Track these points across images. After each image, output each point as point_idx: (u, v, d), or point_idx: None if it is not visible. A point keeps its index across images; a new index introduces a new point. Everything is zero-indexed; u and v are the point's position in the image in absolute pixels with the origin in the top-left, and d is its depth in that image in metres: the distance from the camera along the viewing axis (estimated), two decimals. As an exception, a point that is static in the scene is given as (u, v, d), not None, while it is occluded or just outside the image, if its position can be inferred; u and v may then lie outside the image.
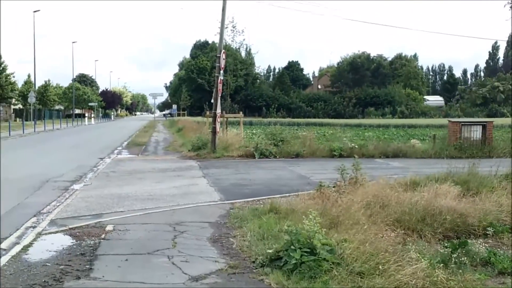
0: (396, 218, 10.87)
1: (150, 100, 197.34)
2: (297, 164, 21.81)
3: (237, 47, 33.39)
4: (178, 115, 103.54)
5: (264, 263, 7.93)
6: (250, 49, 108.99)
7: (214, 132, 25.08)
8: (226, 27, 26.41)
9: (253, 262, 8.17)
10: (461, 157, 24.22)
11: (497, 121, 45.01)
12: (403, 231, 10.59)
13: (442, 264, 8.01)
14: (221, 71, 25.29)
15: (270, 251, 8.23)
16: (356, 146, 24.97)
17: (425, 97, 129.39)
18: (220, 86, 25.31)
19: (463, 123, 25.75)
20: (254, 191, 14.99)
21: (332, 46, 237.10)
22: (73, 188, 15.85)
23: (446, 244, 9.38)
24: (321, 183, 12.88)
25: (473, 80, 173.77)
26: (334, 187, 13.17)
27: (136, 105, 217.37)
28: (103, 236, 9.66)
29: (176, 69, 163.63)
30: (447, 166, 21.28)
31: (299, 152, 24.38)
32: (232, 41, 29.99)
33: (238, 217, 11.30)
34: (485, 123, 25.88)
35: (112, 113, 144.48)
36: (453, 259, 8.39)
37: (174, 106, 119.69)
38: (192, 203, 13.18)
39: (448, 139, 25.96)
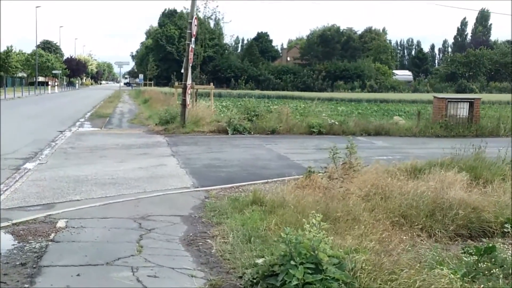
0: (401, 212, 9.29)
1: (116, 69, 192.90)
2: (274, 142, 20.09)
3: (210, 15, 31.51)
4: (145, 85, 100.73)
5: (254, 280, 6.22)
6: (218, 19, 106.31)
7: (184, 105, 23.16)
8: (198, -8, 24.28)
9: (240, 277, 6.46)
10: (446, 136, 22.98)
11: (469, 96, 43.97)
12: (409, 228, 9.06)
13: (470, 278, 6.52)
14: (193, 39, 23.30)
15: (260, 261, 6.54)
16: (336, 123, 23.38)
17: (394, 71, 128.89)
18: (191, 55, 23.35)
19: (449, 100, 24.28)
20: (231, 175, 13.24)
21: (301, 18, 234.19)
22: (25, 168, 13.88)
23: (469, 250, 7.80)
24: (310, 168, 11.19)
25: (440, 55, 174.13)
26: (324, 172, 11.51)
27: (102, 74, 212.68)
28: (52, 236, 7.81)
29: (143, 38, 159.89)
30: (436, 146, 20.06)
31: (275, 128, 22.67)
32: (205, 7, 28.10)
33: (216, 209, 9.57)
34: (472, 100, 24.45)
35: (77, 82, 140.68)
36: (480, 269, 6.87)
37: (141, 76, 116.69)
38: (161, 189, 11.36)
39: (433, 116, 24.53)
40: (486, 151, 12.54)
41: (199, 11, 24.87)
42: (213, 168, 14.21)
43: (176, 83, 32.89)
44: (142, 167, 14.13)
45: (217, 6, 29.46)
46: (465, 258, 7.40)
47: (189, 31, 23.07)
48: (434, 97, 25.41)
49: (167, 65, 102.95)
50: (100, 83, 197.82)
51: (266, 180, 12.24)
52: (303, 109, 38.06)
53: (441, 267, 6.57)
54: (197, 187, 11.65)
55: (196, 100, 26.48)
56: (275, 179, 12.35)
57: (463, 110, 23.93)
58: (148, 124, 26.24)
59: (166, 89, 63.02)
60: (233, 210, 9.37)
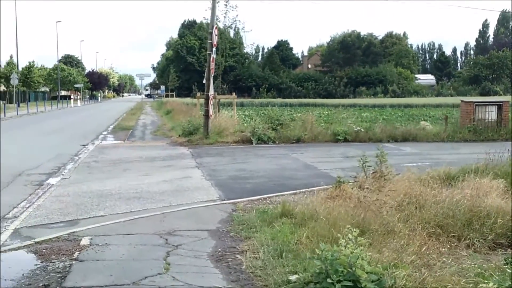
0: (437, 222, 8.90)
1: (137, 81, 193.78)
2: (300, 151, 19.73)
3: (230, 24, 31.39)
4: (166, 96, 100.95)
5: (289, 299, 5.90)
6: (238, 29, 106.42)
7: (206, 115, 22.90)
8: (218, 2, 24.07)
9: (274, 296, 6.15)
10: (475, 140, 22.48)
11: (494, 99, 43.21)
12: (447, 238, 8.67)
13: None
14: (214, 49, 23.07)
15: (293, 278, 6.24)
16: (362, 130, 22.94)
17: (416, 75, 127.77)
18: (212, 65, 23.10)
19: (477, 103, 23.74)
20: (257, 186, 12.91)
21: (321, 25, 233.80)
22: (48, 183, 13.74)
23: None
24: (339, 178, 10.81)
25: (463, 58, 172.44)
26: (354, 182, 11.15)
27: (124, 86, 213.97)
28: (76, 255, 7.56)
29: (163, 50, 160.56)
30: (467, 151, 19.57)
31: (300, 137, 22.31)
32: (224, 17, 27.96)
33: (244, 223, 9.26)
34: (501, 103, 23.86)
35: (99, 95, 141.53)
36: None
37: (162, 87, 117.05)
38: (186, 203, 11.09)
39: (460, 121, 23.98)
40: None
41: (219, 21, 24.73)
42: (239, 179, 13.91)
43: (198, 94, 32.69)
44: (166, 180, 13.89)
45: (237, 16, 29.32)
46: (508, 270, 7.00)
47: (210, 41, 22.85)
48: (462, 101, 24.86)
49: (188, 75, 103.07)
50: (122, 96, 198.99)
51: (294, 191, 11.90)
52: (326, 116, 37.73)
53: (486, 281, 6.20)
54: (224, 200, 11.36)
55: (218, 111, 26.22)
56: (303, 190, 12.00)
57: (491, 114, 23.38)
58: (171, 136, 26.07)
59: (188, 99, 62.98)
60: (262, 223, 9.06)
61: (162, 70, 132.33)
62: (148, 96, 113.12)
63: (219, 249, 7.89)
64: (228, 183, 13.41)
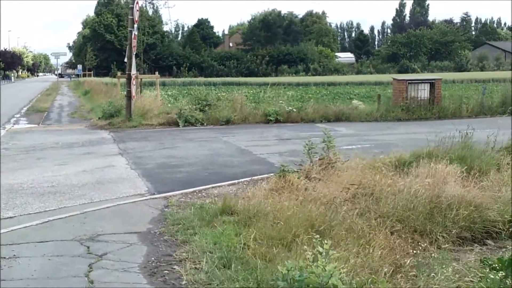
0: (397, 216, 7.98)
1: (53, 61, 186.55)
2: (231, 133, 18.53)
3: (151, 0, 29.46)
4: (84, 75, 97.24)
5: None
6: (157, 6, 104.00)
7: (129, 96, 21.26)
8: (139, -26, 22.37)
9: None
10: (408, 119, 22.05)
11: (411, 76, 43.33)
12: (410, 235, 7.78)
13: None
14: (135, 25, 21.38)
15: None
16: (294, 110, 21.96)
17: (336, 54, 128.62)
18: (134, 43, 21.41)
19: (409, 81, 23.16)
20: (190, 176, 11.64)
21: (241, 3, 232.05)
22: None
23: (488, 261, 6.51)
24: (283, 167, 9.71)
25: (380, 37, 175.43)
26: (300, 171, 10.10)
27: (39, 66, 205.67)
28: (-25, 274, 6.13)
29: (79, 28, 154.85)
30: (404, 131, 18.97)
31: (229, 118, 21.07)
32: (146, -9, 26.26)
33: (179, 222, 8.02)
34: (433, 81, 23.40)
35: (12, 75, 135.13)
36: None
37: (79, 66, 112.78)
38: (110, 198, 9.69)
39: (393, 99, 23.39)
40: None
41: (140, -5, 23.02)
42: (168, 168, 12.57)
43: (119, 73, 30.88)
44: (86, 170, 12.37)
45: (158, -10, 27.59)
46: (491, 276, 6.11)
47: (131, 17, 21.15)
48: (394, 79, 24.29)
49: (107, 54, 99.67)
50: (37, 75, 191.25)
51: (232, 181, 10.71)
52: (252, 95, 36.64)
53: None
54: (153, 193, 10.03)
55: (141, 91, 24.60)
56: (242, 180, 10.84)
57: (424, 92, 22.89)
58: (90, 118, 24.22)
59: (107, 79, 60.48)
60: (201, 223, 7.87)
61: (79, 49, 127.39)
62: (60, 75, 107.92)
63: (153, 258, 6.64)
64: (157, 172, 12.06)
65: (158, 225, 8.06)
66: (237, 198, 8.90)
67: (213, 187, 10.27)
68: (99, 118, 22.80)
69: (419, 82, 23.29)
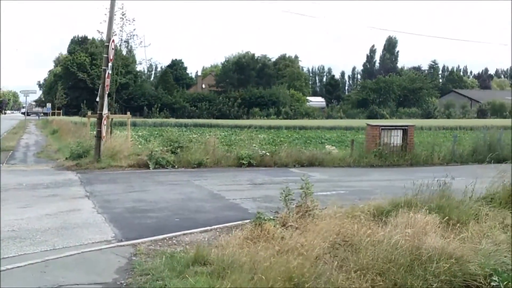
0: (377, 269, 7.64)
1: (22, 98, 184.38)
2: (203, 177, 18.08)
3: (127, 39, 29.40)
4: (53, 114, 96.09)
5: None
6: (131, 46, 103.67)
7: (99, 137, 20.73)
8: (115, 14, 21.99)
9: None
10: (381, 165, 21.87)
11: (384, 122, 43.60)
12: (391, 290, 7.46)
13: None
14: (110, 64, 20.98)
15: None
16: (268, 154, 21.67)
17: (308, 98, 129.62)
18: (108, 82, 20.98)
19: (382, 127, 23.11)
20: (160, 221, 11.14)
21: (215, 45, 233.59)
22: None
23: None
24: (259, 214, 9.32)
25: (350, 82, 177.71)
26: (276, 218, 9.73)
27: (6, 103, 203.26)
28: None
29: (51, 66, 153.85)
30: (378, 178, 18.73)
31: (201, 161, 20.63)
32: (121, 30, 26.08)
33: (148, 272, 7.56)
34: (406, 127, 23.38)
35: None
36: None
37: (48, 105, 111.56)
38: (75, 245, 9.15)
39: (366, 145, 23.26)
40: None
41: (115, 35, 22.68)
42: (137, 213, 12.05)
43: (89, 113, 30.36)
44: (50, 213, 11.78)
45: (134, 30, 27.53)
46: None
47: (106, 56, 20.76)
48: (368, 124, 24.22)
49: (78, 93, 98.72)
50: (5, 113, 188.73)
51: (204, 228, 10.26)
52: (224, 138, 36.35)
53: None
54: (121, 240, 9.53)
55: (111, 131, 24.10)
56: (215, 226, 10.40)
57: (397, 138, 22.84)
58: (57, 159, 23.48)
59: (77, 118, 59.77)
60: (171, 274, 7.42)
61: (49, 87, 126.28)
62: (26, 114, 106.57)
63: (119, 314, 6.17)
64: (125, 217, 11.54)
65: (125, 275, 7.58)
66: (210, 246, 8.48)
67: (184, 234, 9.81)
68: (66, 158, 22.15)
69: (392, 128, 23.25)
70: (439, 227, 9.18)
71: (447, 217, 9.68)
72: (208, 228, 10.27)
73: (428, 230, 8.84)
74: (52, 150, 28.56)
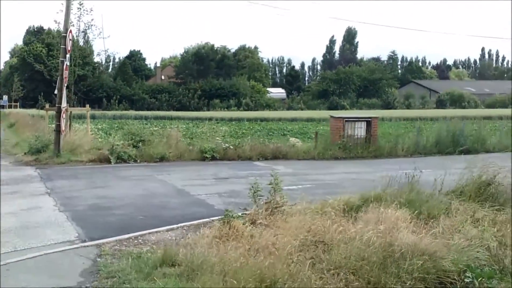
0: (349, 267, 7.52)
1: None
2: (166, 171, 17.73)
3: (84, 29, 28.80)
4: (9, 107, 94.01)
5: None
6: (89, 37, 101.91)
7: (58, 130, 20.16)
8: (73, 3, 21.46)
9: None
10: (345, 157, 21.82)
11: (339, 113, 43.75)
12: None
13: None
14: (68, 55, 20.39)
15: None
16: (231, 147, 21.42)
17: (268, 89, 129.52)
18: (66, 74, 20.38)
19: (346, 119, 23.05)
20: (124, 219, 10.82)
21: (174, 36, 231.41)
22: None
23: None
24: (228, 212, 9.11)
25: (310, 73, 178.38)
26: (244, 214, 9.53)
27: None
28: None
29: (6, 57, 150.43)
30: (342, 170, 18.69)
31: (164, 155, 20.24)
32: (78, 20, 25.57)
33: (114, 275, 7.30)
34: (369, 119, 23.37)
35: None
36: None
37: (5, 97, 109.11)
38: (37, 246, 8.80)
39: (331, 137, 23.17)
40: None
41: (72, 25, 22.14)
42: (101, 210, 11.71)
43: (47, 105, 29.56)
44: (10, 212, 11.33)
45: (92, 20, 27.02)
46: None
47: (63, 47, 20.17)
48: (331, 116, 24.14)
49: (34, 84, 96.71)
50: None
51: (170, 226, 10.00)
52: (185, 131, 35.94)
53: None
54: (85, 240, 9.21)
55: (70, 125, 23.48)
56: (181, 224, 10.15)
57: (360, 130, 22.80)
58: (15, 154, 22.77)
59: (34, 111, 58.44)
60: (138, 275, 7.19)
61: (5, 78, 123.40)
62: None
63: (85, 320, 5.89)
64: (88, 215, 11.19)
65: (90, 278, 7.31)
66: (178, 246, 8.24)
67: (150, 233, 9.55)
68: (25, 153, 21.46)
69: (356, 120, 23.22)
70: (410, 222, 9.11)
71: (417, 212, 9.65)
72: (175, 226, 10.02)
73: (399, 225, 8.76)
74: (10, 144, 27.76)
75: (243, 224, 8.82)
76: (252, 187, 9.66)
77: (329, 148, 22.06)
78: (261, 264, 7.11)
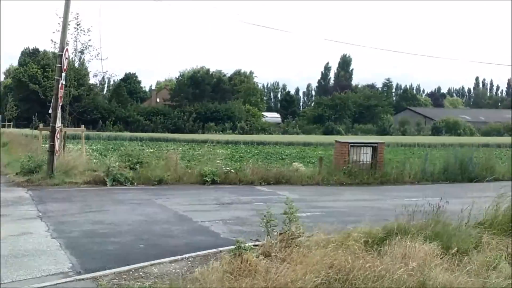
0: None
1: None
2: (165, 195, 16.81)
3: (82, 49, 28.20)
4: (3, 126, 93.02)
5: None
6: (84, 59, 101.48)
7: (52, 151, 19.23)
8: (69, 24, 20.74)
9: None
10: (351, 183, 21.00)
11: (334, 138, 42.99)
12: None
13: None
14: (63, 74, 19.56)
15: None
16: (232, 171, 20.56)
17: (263, 113, 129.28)
18: (61, 93, 19.53)
19: (352, 144, 22.25)
20: (123, 248, 9.91)
21: (170, 59, 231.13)
22: None
23: None
24: (238, 242, 8.21)
25: (305, 98, 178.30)
26: (256, 246, 8.65)
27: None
28: None
29: (1, 78, 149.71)
30: (352, 198, 17.83)
31: (162, 178, 19.33)
32: (75, 41, 24.91)
33: (114, 316, 6.38)
34: (375, 144, 22.59)
35: None
36: None
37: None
38: (26, 278, 7.85)
39: (334, 162, 22.37)
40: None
41: (68, 45, 21.40)
42: (97, 237, 10.78)
43: (41, 125, 28.68)
44: (-2, 237, 10.45)
45: (89, 40, 26.42)
46: None
47: (59, 65, 19.33)
48: (336, 141, 23.33)
49: (29, 105, 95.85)
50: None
51: (174, 258, 9.06)
52: (182, 153, 35.04)
53: None
54: (80, 272, 8.27)
55: (64, 145, 22.57)
56: (186, 255, 9.21)
57: (366, 156, 22.00)
58: (6, 174, 21.83)
59: (28, 131, 57.48)
60: (142, 318, 6.25)
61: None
62: None
63: None
64: (83, 243, 10.26)
65: (87, 319, 6.39)
66: (185, 282, 7.34)
67: (152, 265, 8.61)
68: (16, 173, 20.52)
69: (362, 146, 22.44)
70: (441, 258, 8.25)
71: (444, 246, 8.79)
72: (179, 257, 9.08)
73: (430, 262, 7.91)
74: (1, 164, 26.79)
75: (256, 257, 7.93)
76: (265, 216, 8.78)
77: (334, 174, 21.23)
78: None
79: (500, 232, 9.58)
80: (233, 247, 8.45)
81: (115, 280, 7.84)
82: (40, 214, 13.24)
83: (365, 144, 22.74)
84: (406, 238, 8.64)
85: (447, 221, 9.66)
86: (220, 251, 9.21)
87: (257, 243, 8.82)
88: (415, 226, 9.24)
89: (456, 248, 8.77)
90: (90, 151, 32.05)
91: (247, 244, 8.39)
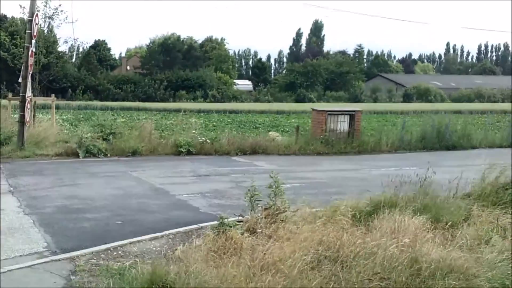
0: (373, 288, 6.39)
1: None
2: (140, 167, 16.35)
3: (51, 14, 27.25)
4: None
5: None
6: (53, 26, 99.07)
7: (22, 122, 18.51)
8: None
9: None
10: (328, 153, 20.75)
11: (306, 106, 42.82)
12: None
13: None
14: (33, 41, 18.74)
15: None
16: (208, 141, 20.13)
17: (234, 81, 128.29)
18: (31, 61, 18.75)
19: (329, 112, 21.92)
20: (100, 225, 9.50)
21: (140, 26, 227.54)
22: None
23: None
24: (221, 217, 7.89)
25: (276, 65, 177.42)
26: (240, 222, 8.33)
27: None
28: None
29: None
30: (331, 168, 17.60)
31: (136, 149, 18.80)
32: (45, 5, 24.14)
33: (93, 299, 6.02)
34: (353, 112, 22.27)
35: None
36: None
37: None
38: (-2, 259, 7.49)
39: (312, 131, 22.05)
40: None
41: (38, 10, 20.59)
42: (72, 213, 10.33)
43: (10, 95, 27.82)
44: (-33, 215, 9.96)
45: (60, 5, 25.59)
46: None
47: (29, 31, 18.51)
48: (313, 109, 22.98)
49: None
50: None
51: (154, 234, 8.71)
52: (155, 123, 34.47)
53: None
54: (55, 252, 7.89)
55: (34, 115, 21.85)
56: (166, 232, 8.86)
57: (343, 124, 21.69)
58: (-27, 146, 21.13)
59: (-5, 100, 56.12)
60: (123, 301, 5.90)
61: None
62: None
63: None
64: (57, 219, 9.82)
65: (65, 302, 6.02)
66: (168, 262, 7.00)
67: (131, 243, 8.26)
68: (-16, 146, 19.84)
69: (339, 114, 22.12)
70: (432, 232, 8.02)
71: (433, 218, 8.57)
72: (159, 234, 8.73)
73: (421, 236, 7.67)
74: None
75: (241, 234, 7.61)
76: (249, 190, 8.45)
77: (311, 143, 20.93)
78: (270, 285, 5.94)
79: (489, 204, 9.36)
80: (215, 223, 8.17)
81: (93, 260, 7.47)
82: (12, 188, 12.73)
83: (342, 112, 22.43)
84: (394, 211, 8.39)
85: (434, 193, 9.43)
86: (202, 227, 8.89)
87: (240, 218, 8.48)
88: (403, 199, 8.99)
89: (445, 221, 8.56)
90: (61, 121, 31.23)
91: (230, 220, 8.08)
